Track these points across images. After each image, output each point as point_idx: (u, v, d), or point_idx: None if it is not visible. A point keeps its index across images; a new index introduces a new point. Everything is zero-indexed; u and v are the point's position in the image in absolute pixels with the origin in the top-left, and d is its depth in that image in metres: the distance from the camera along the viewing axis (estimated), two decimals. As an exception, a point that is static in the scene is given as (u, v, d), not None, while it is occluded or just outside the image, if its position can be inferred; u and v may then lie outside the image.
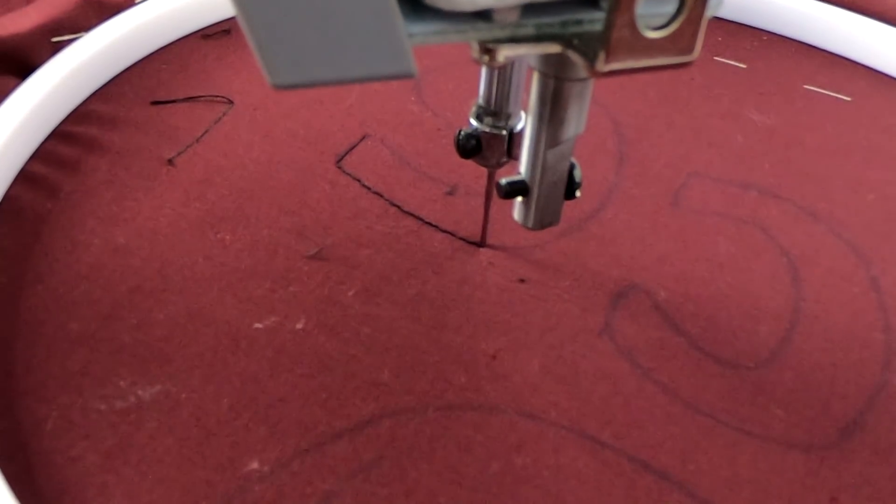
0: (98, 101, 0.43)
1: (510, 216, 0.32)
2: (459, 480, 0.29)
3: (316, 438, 0.29)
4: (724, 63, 0.51)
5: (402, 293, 0.35)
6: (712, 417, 0.31)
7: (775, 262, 0.38)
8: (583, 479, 0.29)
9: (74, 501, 0.27)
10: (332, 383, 0.31)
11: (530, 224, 0.31)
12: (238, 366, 0.31)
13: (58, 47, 0.44)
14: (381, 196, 0.39)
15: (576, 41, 0.23)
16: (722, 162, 0.43)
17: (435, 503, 0.28)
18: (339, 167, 0.40)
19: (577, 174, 0.30)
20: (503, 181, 0.30)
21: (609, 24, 0.21)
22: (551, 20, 0.23)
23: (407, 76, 0.21)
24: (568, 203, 0.31)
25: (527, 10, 0.23)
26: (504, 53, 0.23)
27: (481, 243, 0.37)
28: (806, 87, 0.50)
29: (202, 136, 0.42)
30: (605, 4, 0.22)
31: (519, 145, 0.31)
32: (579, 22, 0.23)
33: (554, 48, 0.23)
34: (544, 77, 0.27)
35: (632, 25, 0.21)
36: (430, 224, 0.38)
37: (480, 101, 0.31)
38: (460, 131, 0.32)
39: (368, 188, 0.39)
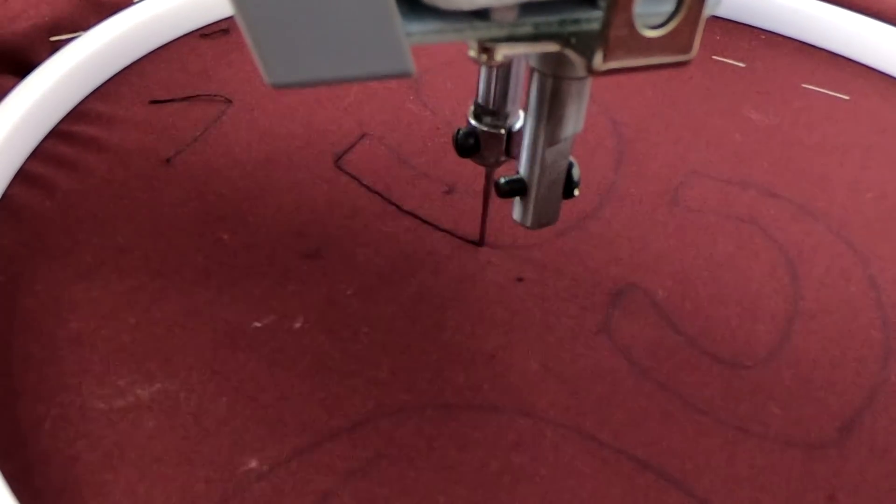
0: (96, 100, 0.43)
1: (509, 215, 0.32)
2: (458, 479, 0.29)
3: (314, 437, 0.29)
4: (722, 62, 0.51)
5: (400, 292, 0.35)
6: (711, 416, 0.31)
7: (774, 261, 0.38)
8: (581, 478, 0.29)
9: (73, 500, 0.27)
10: (331, 382, 0.31)
11: (529, 223, 0.31)
12: (237, 365, 0.31)
13: (56, 46, 0.43)
14: (380, 195, 0.39)
15: (574, 40, 0.23)
16: (720, 161, 0.43)
17: (434, 501, 0.28)
18: (338, 166, 0.40)
19: (576, 173, 0.30)
20: (501, 180, 0.30)
21: (607, 23, 0.21)
22: (549, 19, 0.23)
23: (405, 75, 0.21)
24: (566, 202, 0.31)
25: (525, 8, 0.23)
26: (502, 52, 0.23)
27: (480, 242, 0.37)
28: (804, 85, 0.50)
29: (200, 135, 0.41)
30: (602, 3, 0.22)
31: (517, 144, 0.31)
32: (577, 21, 0.23)
33: (552, 47, 0.23)
34: (542, 76, 0.27)
35: (630, 24, 0.21)
36: (428, 223, 0.38)
37: (479, 100, 0.31)
38: (459, 130, 0.32)
39: (367, 187, 0.39)
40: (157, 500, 0.27)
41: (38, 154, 0.40)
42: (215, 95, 0.44)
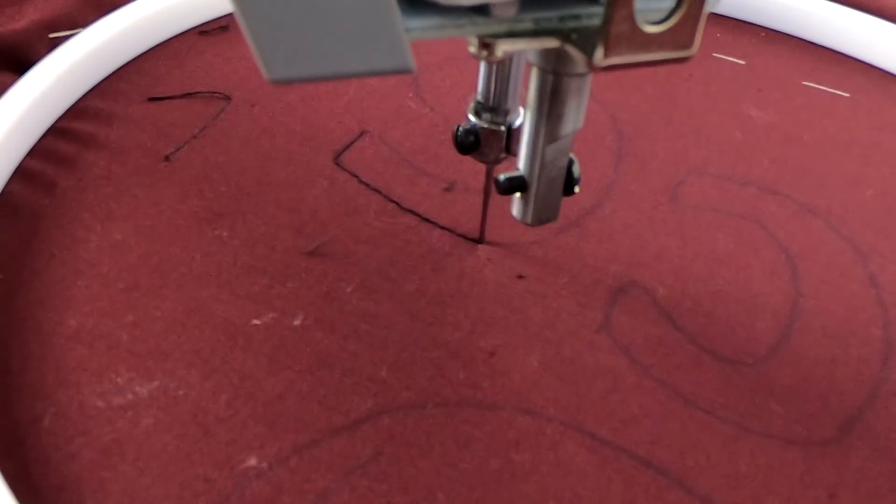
0: (95, 97, 0.43)
1: (508, 212, 0.32)
2: (458, 477, 0.29)
3: (314, 435, 0.29)
4: (722, 59, 0.51)
5: (400, 289, 0.34)
6: (711, 413, 0.31)
7: (774, 258, 0.38)
8: (582, 476, 0.29)
9: (72, 498, 0.27)
10: (330, 380, 0.31)
11: (529, 220, 0.31)
12: (236, 362, 0.31)
13: (55, 43, 0.43)
14: (380, 192, 0.39)
15: (574, 36, 0.23)
16: (720, 158, 0.43)
17: (433, 499, 0.28)
18: (337, 163, 0.40)
19: (576, 170, 0.30)
20: (501, 177, 0.30)
21: (608, 19, 0.21)
22: (549, 15, 0.23)
23: (405, 71, 0.21)
24: (566, 199, 0.31)
25: (525, 4, 0.22)
26: (502, 48, 0.23)
27: (480, 239, 0.37)
28: (804, 83, 0.50)
29: (200, 132, 0.41)
30: (603, -1, 0.22)
31: (517, 141, 0.31)
32: (578, 16, 0.23)
33: (552, 43, 0.23)
34: (543, 72, 0.27)
35: (631, 20, 0.21)
36: (428, 220, 0.38)
37: (479, 96, 0.31)
38: (458, 127, 0.32)
39: (366, 184, 0.39)
40: (155, 497, 0.27)
41: (36, 151, 0.40)
42: (214, 92, 0.44)
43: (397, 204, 0.38)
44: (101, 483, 0.27)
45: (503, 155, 0.32)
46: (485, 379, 0.32)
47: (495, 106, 0.31)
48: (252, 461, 0.28)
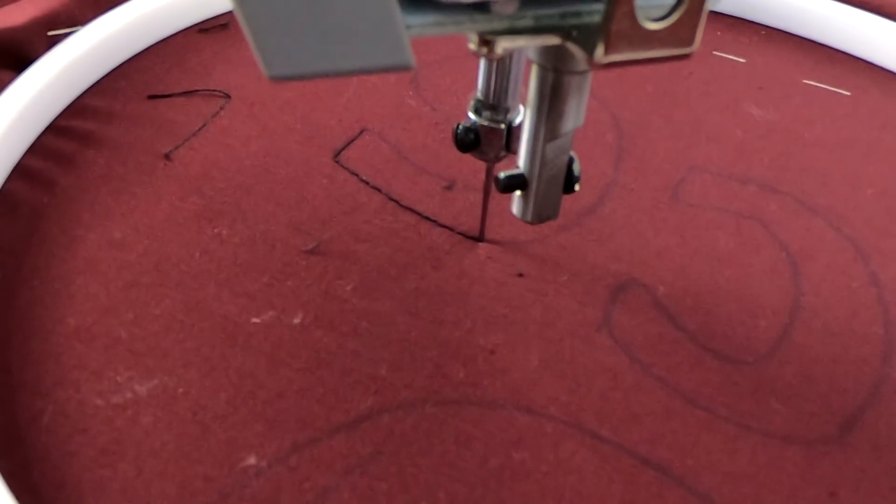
0: (94, 95, 0.43)
1: (509, 210, 0.32)
2: (458, 475, 0.29)
3: (314, 433, 0.29)
4: (723, 57, 0.51)
5: (400, 288, 0.34)
6: (712, 412, 0.31)
7: (774, 257, 0.37)
8: (582, 474, 0.29)
9: (71, 496, 0.27)
10: (330, 378, 0.31)
11: (529, 218, 0.31)
12: (235, 361, 0.31)
13: (54, 41, 0.43)
14: (380, 190, 0.39)
15: (575, 33, 0.23)
16: (721, 156, 0.43)
17: (433, 498, 0.28)
18: (337, 161, 0.40)
19: (576, 168, 0.30)
20: (502, 175, 0.30)
21: (608, 16, 0.21)
22: (550, 11, 0.23)
23: (405, 68, 0.21)
24: (567, 197, 0.31)
25: (525, 1, 0.22)
26: (502, 45, 0.23)
27: (480, 238, 0.37)
28: (805, 81, 0.50)
29: (199, 130, 0.41)
30: (604, -4, 0.22)
31: (517, 139, 0.30)
32: (578, 13, 0.23)
33: (553, 40, 0.23)
34: (543, 70, 0.27)
35: (631, 17, 0.21)
36: (428, 218, 0.38)
37: (479, 94, 0.31)
38: (458, 125, 0.32)
39: (366, 183, 0.39)
40: (155, 495, 0.27)
41: (36, 149, 0.40)
42: (214, 90, 0.44)
43: (397, 202, 0.38)
44: (100, 481, 0.27)
45: (503, 153, 0.32)
46: (485, 377, 0.32)
47: (495, 104, 0.31)
48: (251, 460, 0.28)
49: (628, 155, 0.42)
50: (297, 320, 0.33)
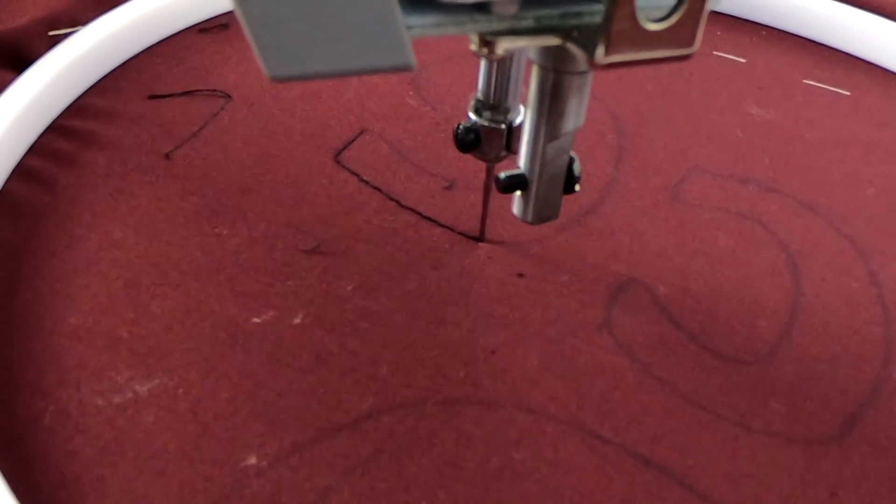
0: (95, 95, 0.43)
1: (509, 210, 0.32)
2: (458, 475, 0.29)
3: (314, 433, 0.29)
4: (723, 57, 0.51)
5: (400, 288, 0.34)
6: (712, 412, 0.31)
7: (775, 257, 0.38)
8: (582, 474, 0.29)
9: (71, 496, 0.27)
10: (331, 378, 0.31)
11: (529, 218, 0.31)
12: (236, 361, 0.31)
13: (55, 41, 0.43)
14: (380, 190, 0.39)
15: (575, 33, 0.23)
16: (721, 156, 0.43)
17: (434, 498, 0.28)
18: (338, 161, 0.40)
19: (577, 168, 0.30)
20: (502, 175, 0.30)
21: (609, 16, 0.21)
22: (551, 12, 0.23)
23: (405, 69, 0.21)
24: (567, 197, 0.31)
25: (526, 2, 0.22)
26: (503, 46, 0.23)
27: (480, 238, 0.37)
28: (805, 81, 0.50)
29: (199, 130, 0.41)
30: (604, -4, 0.22)
31: (518, 139, 0.31)
32: (579, 14, 0.23)
33: (553, 41, 0.23)
34: (543, 70, 0.27)
35: (632, 17, 0.21)
36: (428, 218, 0.38)
37: (479, 94, 0.31)
38: (459, 125, 0.32)
39: (367, 182, 0.39)
40: (155, 496, 0.27)
41: (36, 149, 0.40)
42: (214, 90, 0.44)
43: (397, 202, 0.38)
44: (100, 481, 0.27)
45: (504, 153, 0.32)
46: (485, 377, 0.32)
47: (496, 104, 0.31)
48: (252, 459, 0.28)
49: (629, 155, 0.42)
50: (297, 320, 0.33)
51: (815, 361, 0.33)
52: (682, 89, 0.48)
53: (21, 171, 0.38)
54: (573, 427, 0.30)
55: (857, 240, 0.39)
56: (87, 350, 0.31)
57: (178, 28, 0.48)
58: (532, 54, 0.27)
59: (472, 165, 0.40)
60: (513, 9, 0.22)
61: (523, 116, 0.30)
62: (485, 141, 0.31)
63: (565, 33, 0.23)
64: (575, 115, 0.28)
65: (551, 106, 0.28)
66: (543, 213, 0.31)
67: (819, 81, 0.50)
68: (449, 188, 0.39)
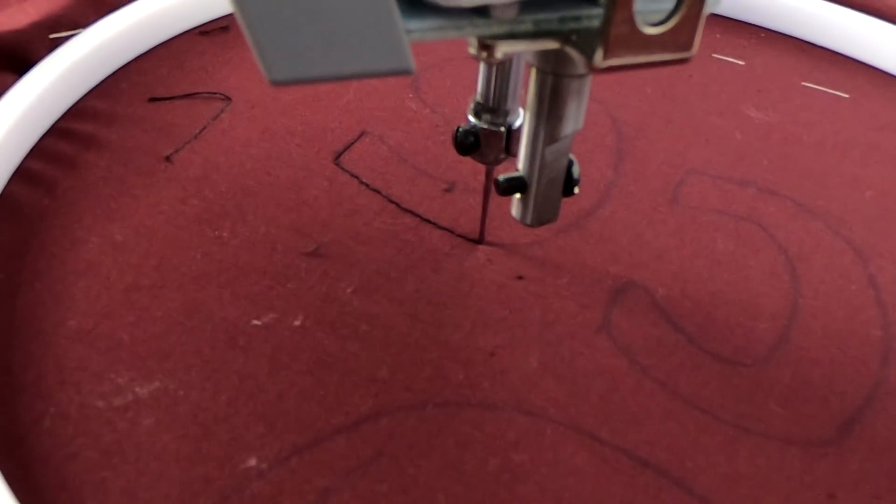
0: (96, 97, 0.43)
1: (508, 213, 0.32)
2: (458, 477, 0.29)
3: (314, 435, 0.29)
4: (722, 60, 0.51)
5: (400, 290, 0.34)
6: (710, 414, 0.31)
7: (773, 259, 0.38)
8: (581, 476, 0.29)
9: (72, 498, 0.27)
10: (331, 380, 0.31)
11: (528, 221, 0.31)
12: (236, 363, 0.31)
13: (56, 43, 0.43)
14: (380, 193, 0.39)
15: (574, 37, 0.23)
16: (720, 159, 0.43)
17: (433, 500, 0.28)
18: (338, 164, 0.40)
19: (576, 171, 0.30)
20: (501, 178, 0.30)
21: (607, 20, 0.21)
22: (549, 16, 0.23)
23: (405, 72, 0.21)
24: (566, 200, 0.31)
25: (525, 6, 0.23)
26: (502, 49, 0.23)
27: (479, 240, 0.37)
28: (804, 84, 0.50)
29: (200, 133, 0.41)
30: (603, 0, 0.22)
31: (517, 142, 0.31)
32: (577, 18, 0.23)
33: (552, 44, 0.23)
34: (542, 73, 0.27)
35: (630, 21, 0.21)
36: (428, 221, 0.38)
37: (478, 97, 0.31)
38: (458, 128, 0.32)
39: (366, 185, 0.39)
40: (156, 497, 0.27)
41: (37, 151, 0.40)
42: (215, 93, 0.44)
43: (397, 205, 0.38)
44: (101, 483, 0.27)
45: (503, 156, 0.32)
46: (484, 379, 0.32)
47: (495, 107, 0.31)
48: (252, 461, 0.28)
49: (628, 157, 0.42)
50: (297, 322, 0.33)
51: (813, 363, 0.33)
52: (681, 92, 0.48)
53: (22, 173, 0.38)
54: (572, 429, 0.30)
55: (855, 242, 0.39)
56: (87, 352, 0.31)
57: (179, 31, 0.48)
58: (531, 58, 0.27)
59: (471, 168, 0.40)
60: (512, 13, 0.22)
61: (522, 119, 0.31)
62: (484, 144, 0.32)
63: (564, 37, 0.23)
64: (574, 119, 0.28)
65: (550, 109, 0.28)
66: (543, 215, 0.31)
67: (818, 84, 0.50)
68: (448, 191, 0.39)
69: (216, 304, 0.33)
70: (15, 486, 0.26)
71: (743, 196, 0.41)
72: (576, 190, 0.31)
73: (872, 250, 0.38)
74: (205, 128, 0.42)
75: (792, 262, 0.38)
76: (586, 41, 0.22)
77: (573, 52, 0.23)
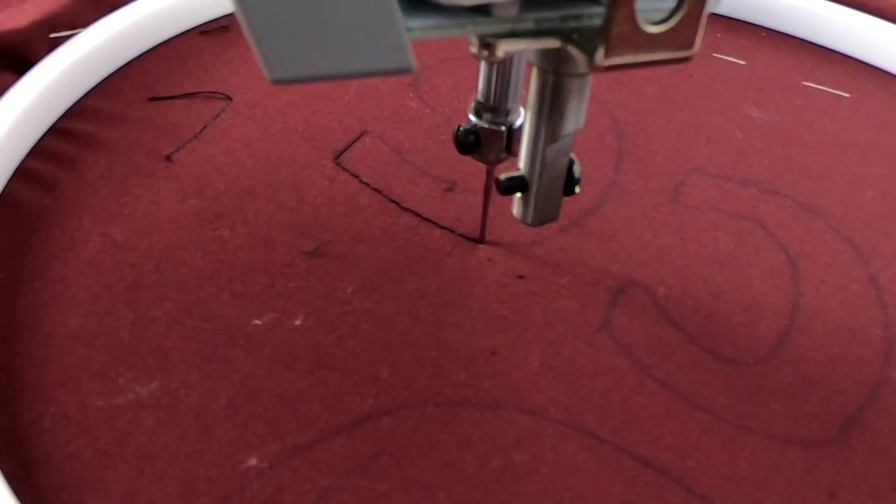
0: (96, 97, 0.43)
1: (509, 212, 0.32)
2: (458, 476, 0.29)
3: (314, 435, 0.29)
4: (723, 59, 0.51)
5: (400, 289, 0.34)
6: (711, 413, 0.31)
7: (774, 259, 0.38)
8: (582, 475, 0.29)
9: (72, 498, 0.27)
10: (331, 380, 0.31)
11: (529, 220, 0.31)
12: (236, 362, 0.31)
13: (56, 43, 0.43)
14: (380, 192, 0.39)
15: (575, 36, 0.23)
16: (721, 158, 0.43)
17: (434, 499, 0.28)
18: (338, 163, 0.40)
19: (577, 170, 0.30)
20: (502, 177, 0.30)
21: (609, 19, 0.21)
22: (551, 15, 0.23)
23: (406, 71, 0.21)
24: (567, 199, 0.31)
25: (526, 4, 0.22)
26: (503, 48, 0.23)
27: (480, 239, 0.37)
28: (805, 83, 0.50)
29: (200, 132, 0.41)
30: (604, -1, 0.22)
31: (518, 141, 0.31)
32: (579, 17, 0.23)
33: (553, 43, 0.23)
34: (543, 72, 0.27)
35: (632, 20, 0.21)
36: (428, 220, 0.38)
37: (479, 96, 0.31)
38: (459, 127, 0.32)
39: (367, 184, 0.39)
40: (156, 497, 0.27)
41: (37, 151, 0.40)
42: (215, 93, 0.44)
43: (398, 204, 0.38)
44: (101, 483, 0.27)
45: (504, 155, 0.32)
46: (485, 379, 0.32)
47: (496, 106, 0.31)
48: (253, 461, 0.28)
49: (628, 157, 0.42)
50: (298, 322, 0.33)
51: (814, 363, 0.33)
52: (682, 91, 0.48)
53: (22, 173, 0.38)
54: (573, 428, 0.30)
55: (856, 241, 0.39)
56: (87, 352, 0.31)
57: (179, 30, 0.48)
58: (532, 57, 0.27)
59: (472, 167, 0.40)
60: (513, 11, 0.22)
61: (523, 118, 0.31)
62: (485, 143, 0.32)
63: (565, 36, 0.23)
64: (575, 118, 0.28)
65: (551, 108, 0.28)
66: (543, 214, 0.31)
67: (819, 83, 0.50)
68: (449, 190, 0.39)
69: (216, 304, 0.33)
70: (15, 486, 0.26)
71: (744, 195, 0.41)
72: (577, 189, 0.31)
73: (873, 249, 0.38)
74: (205, 127, 0.42)
75: (793, 261, 0.38)
76: (588, 40, 0.22)
77: (574, 51, 0.23)
